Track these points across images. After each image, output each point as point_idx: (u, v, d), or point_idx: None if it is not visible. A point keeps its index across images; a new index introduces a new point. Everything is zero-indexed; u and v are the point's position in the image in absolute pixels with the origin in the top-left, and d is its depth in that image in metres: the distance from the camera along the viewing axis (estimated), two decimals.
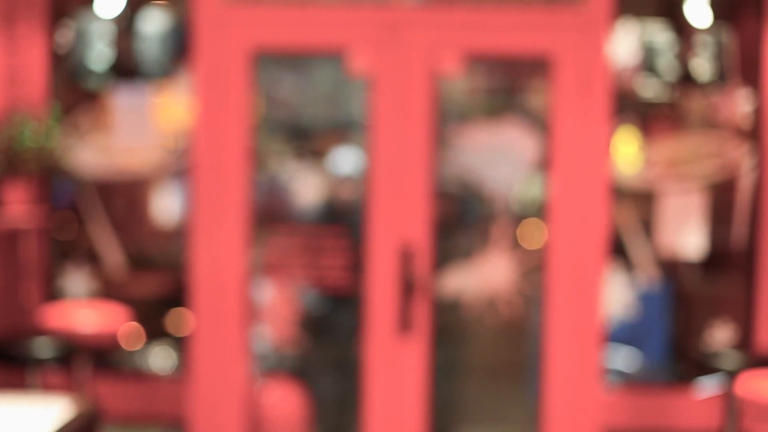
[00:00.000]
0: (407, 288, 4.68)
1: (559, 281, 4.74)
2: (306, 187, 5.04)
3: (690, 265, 5.40)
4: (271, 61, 5.27)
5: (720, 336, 5.10)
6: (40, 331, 4.40)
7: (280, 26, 4.74)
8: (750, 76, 5.00)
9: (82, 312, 4.64)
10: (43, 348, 4.23)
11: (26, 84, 4.95)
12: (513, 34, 4.73)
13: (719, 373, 4.32)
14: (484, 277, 4.98)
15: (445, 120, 5.30)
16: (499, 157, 4.94)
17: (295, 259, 4.94)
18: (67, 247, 5.34)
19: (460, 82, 5.46)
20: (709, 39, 4.74)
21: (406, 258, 4.69)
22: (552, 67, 4.73)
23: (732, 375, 4.18)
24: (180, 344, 5.44)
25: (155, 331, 5.92)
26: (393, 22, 4.71)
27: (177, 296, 6.30)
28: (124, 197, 5.49)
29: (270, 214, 5.62)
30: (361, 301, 4.85)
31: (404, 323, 4.66)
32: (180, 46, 4.93)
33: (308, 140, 5.35)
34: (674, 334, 5.61)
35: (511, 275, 4.97)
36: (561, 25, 4.70)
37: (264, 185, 5.74)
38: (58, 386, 4.87)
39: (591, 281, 4.75)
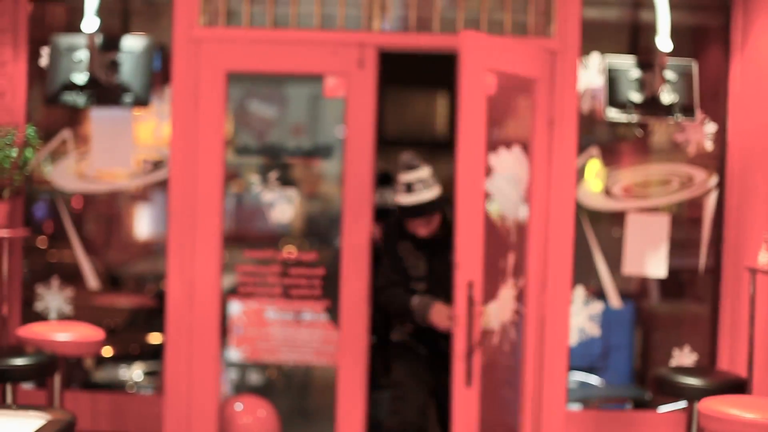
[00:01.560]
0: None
1: (532, 304, 4.82)
2: (281, 208, 5.12)
3: (655, 288, 5.50)
4: (249, 83, 5.35)
5: (683, 358, 5.20)
6: (18, 348, 4.44)
7: (255, 49, 4.82)
8: (715, 106, 5.13)
9: (60, 329, 4.68)
10: (19, 364, 4.25)
11: (6, 103, 5.01)
12: None
13: (682, 396, 4.39)
14: (500, 306, 4.91)
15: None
16: (507, 182, 4.89)
17: (269, 279, 5.00)
18: (45, 264, 5.38)
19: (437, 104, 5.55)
20: (675, 70, 4.86)
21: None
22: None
23: (694, 397, 4.25)
24: (156, 361, 5.49)
25: (132, 348, 5.97)
26: (368, 44, 4.80)
27: (154, 313, 6.34)
28: (102, 215, 5.54)
29: (244, 233, 5.68)
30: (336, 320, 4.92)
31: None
32: (160, 69, 5.01)
33: (285, 161, 5.41)
34: (638, 356, 5.70)
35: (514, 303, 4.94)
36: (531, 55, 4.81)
37: (239, 205, 5.80)
38: (35, 402, 4.91)
39: (558, 302, 4.84)
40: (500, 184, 4.70)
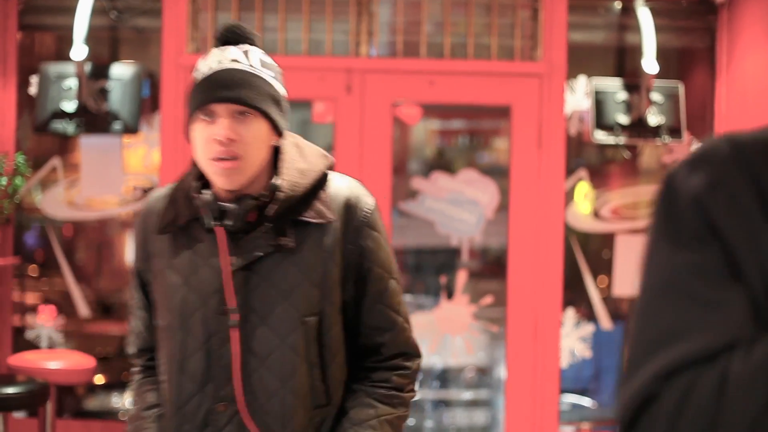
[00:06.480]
0: None
1: (517, 325, 4.84)
2: None
3: None
4: None
5: None
6: (9, 377, 4.43)
7: None
8: (701, 127, 5.15)
9: (51, 357, 4.67)
10: (11, 393, 4.24)
11: None
12: (471, 86, 4.86)
13: None
14: (442, 323, 5.03)
15: (409, 167, 5.41)
16: (461, 204, 5.04)
17: None
18: (35, 292, 5.38)
19: (423, 129, 5.58)
20: (662, 91, 4.89)
21: None
22: (510, 117, 4.87)
23: None
24: None
25: (124, 376, 5.94)
26: (357, 71, 4.83)
27: None
28: (92, 242, 5.54)
29: None
30: None
31: None
32: (148, 97, 5.03)
33: None
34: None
35: (467, 321, 5.04)
36: (518, 78, 4.84)
37: None
38: (27, 431, 4.90)
39: (549, 325, 4.85)
40: (439, 206, 4.96)
